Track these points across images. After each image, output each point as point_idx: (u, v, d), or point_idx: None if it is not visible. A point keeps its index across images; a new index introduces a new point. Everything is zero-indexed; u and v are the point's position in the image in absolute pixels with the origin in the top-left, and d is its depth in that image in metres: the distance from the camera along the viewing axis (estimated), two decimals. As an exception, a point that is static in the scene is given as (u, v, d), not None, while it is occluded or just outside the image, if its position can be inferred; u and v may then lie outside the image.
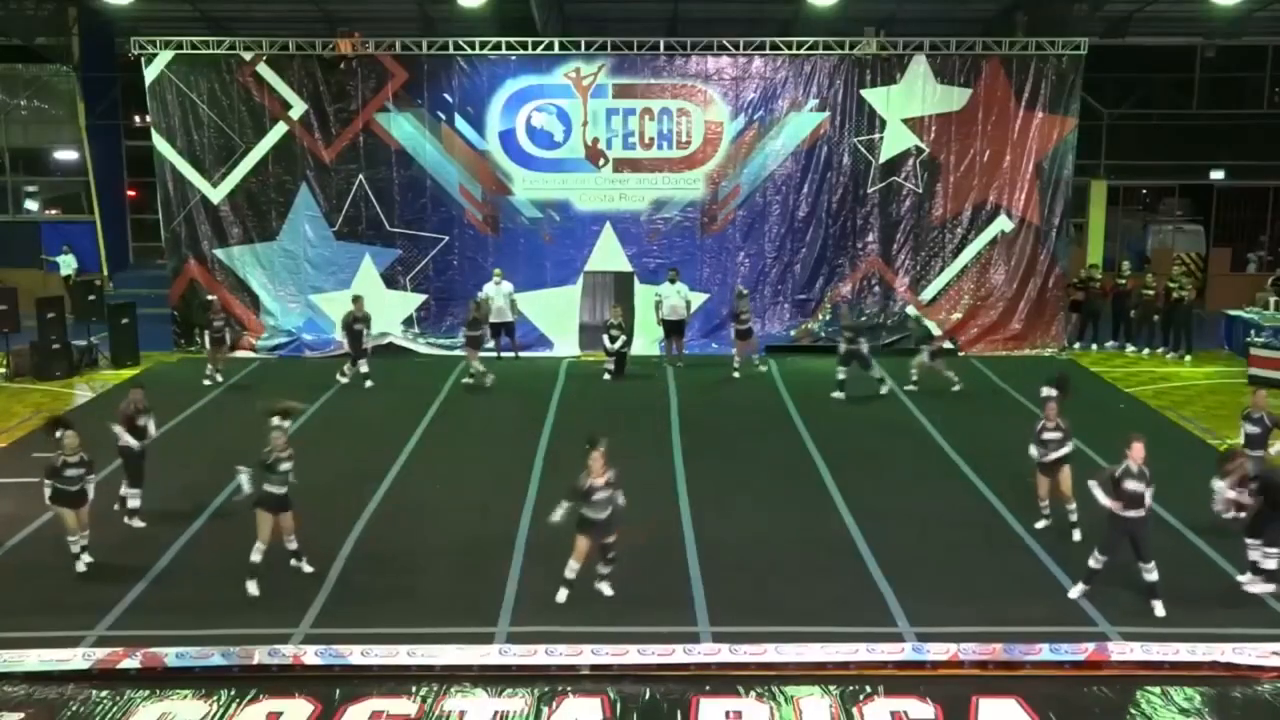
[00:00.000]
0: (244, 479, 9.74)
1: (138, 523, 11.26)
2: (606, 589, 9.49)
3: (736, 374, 17.60)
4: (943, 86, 19.40)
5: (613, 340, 17.42)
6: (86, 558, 10.23)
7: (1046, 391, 11.59)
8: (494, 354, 18.58)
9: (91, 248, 24.18)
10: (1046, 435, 10.79)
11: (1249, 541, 9.73)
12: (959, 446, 13.70)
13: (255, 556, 9.64)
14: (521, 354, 19.03)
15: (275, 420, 10.02)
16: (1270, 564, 9.57)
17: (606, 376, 17.53)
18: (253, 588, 9.59)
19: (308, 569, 9.97)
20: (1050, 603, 9.36)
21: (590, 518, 9.27)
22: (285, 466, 9.74)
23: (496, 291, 18.32)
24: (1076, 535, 10.65)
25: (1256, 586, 9.62)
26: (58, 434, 10.12)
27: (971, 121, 19.49)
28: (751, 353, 18.13)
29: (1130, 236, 26.58)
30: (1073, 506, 10.76)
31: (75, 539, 10.17)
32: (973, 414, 15.50)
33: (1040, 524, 11.00)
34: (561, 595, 9.35)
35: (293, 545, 9.97)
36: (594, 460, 9.26)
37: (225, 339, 17.69)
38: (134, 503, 11.32)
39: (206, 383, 16.94)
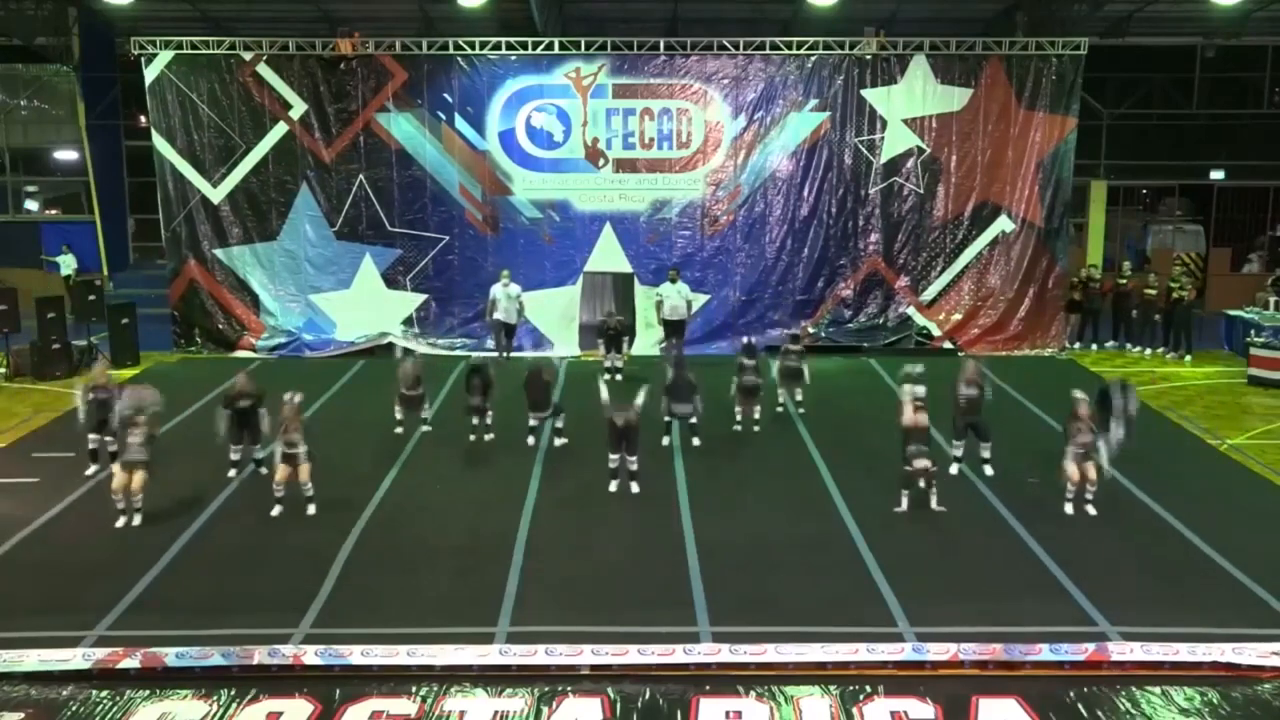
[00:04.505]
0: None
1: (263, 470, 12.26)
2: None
3: (737, 428, 14.49)
4: (943, 86, 19.39)
5: (612, 341, 17.35)
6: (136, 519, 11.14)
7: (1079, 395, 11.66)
8: (495, 354, 18.60)
9: (91, 248, 24.21)
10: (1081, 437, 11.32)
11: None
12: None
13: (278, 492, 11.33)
14: (515, 354, 18.78)
15: (286, 396, 11.52)
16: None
17: (606, 376, 17.48)
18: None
19: (310, 510, 11.31)
20: (1050, 603, 9.36)
21: None
22: (293, 438, 11.28)
23: (503, 293, 18.29)
24: (1069, 509, 11.38)
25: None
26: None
27: (972, 121, 19.49)
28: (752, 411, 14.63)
29: (1130, 236, 26.60)
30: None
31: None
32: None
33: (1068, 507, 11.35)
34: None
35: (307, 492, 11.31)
36: None
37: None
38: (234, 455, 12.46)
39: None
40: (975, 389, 12.58)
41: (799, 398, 15.27)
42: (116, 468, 11.23)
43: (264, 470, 12.24)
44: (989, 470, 12.61)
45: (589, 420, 13.45)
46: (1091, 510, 11.33)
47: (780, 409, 15.19)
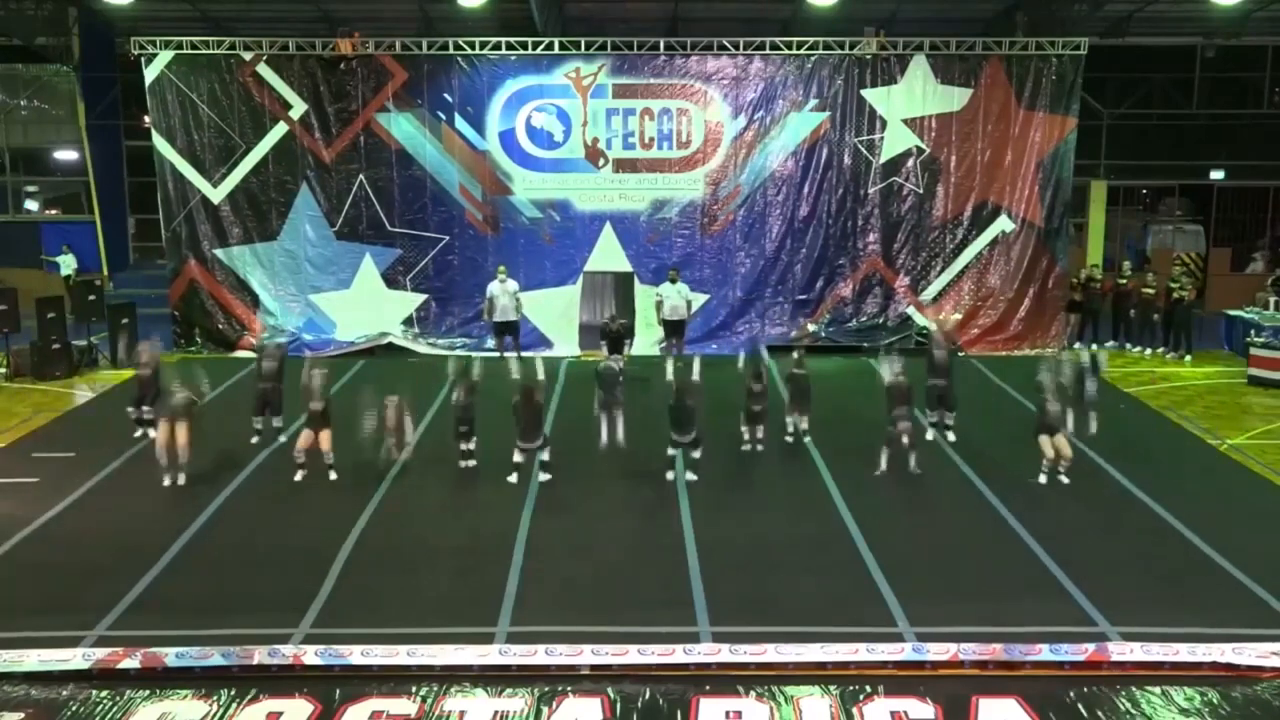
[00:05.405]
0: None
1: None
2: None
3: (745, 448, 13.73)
4: (943, 86, 19.40)
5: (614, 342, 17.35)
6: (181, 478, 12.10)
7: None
8: (497, 353, 18.60)
9: (91, 248, 24.22)
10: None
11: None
12: (959, 446, 13.71)
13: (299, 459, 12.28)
14: (521, 354, 18.86)
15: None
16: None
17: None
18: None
19: (332, 476, 12.38)
20: (1050, 603, 9.36)
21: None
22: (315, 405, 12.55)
23: (501, 290, 18.30)
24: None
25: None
26: None
27: (972, 121, 19.49)
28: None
29: (1130, 236, 26.60)
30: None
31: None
32: (973, 414, 15.44)
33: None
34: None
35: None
36: None
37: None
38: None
39: None
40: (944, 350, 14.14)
41: (804, 425, 13.99)
42: (160, 424, 12.10)
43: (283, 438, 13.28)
44: (951, 436, 13.92)
45: (588, 422, 13.45)
46: (1064, 480, 12.13)
47: (790, 438, 13.95)
